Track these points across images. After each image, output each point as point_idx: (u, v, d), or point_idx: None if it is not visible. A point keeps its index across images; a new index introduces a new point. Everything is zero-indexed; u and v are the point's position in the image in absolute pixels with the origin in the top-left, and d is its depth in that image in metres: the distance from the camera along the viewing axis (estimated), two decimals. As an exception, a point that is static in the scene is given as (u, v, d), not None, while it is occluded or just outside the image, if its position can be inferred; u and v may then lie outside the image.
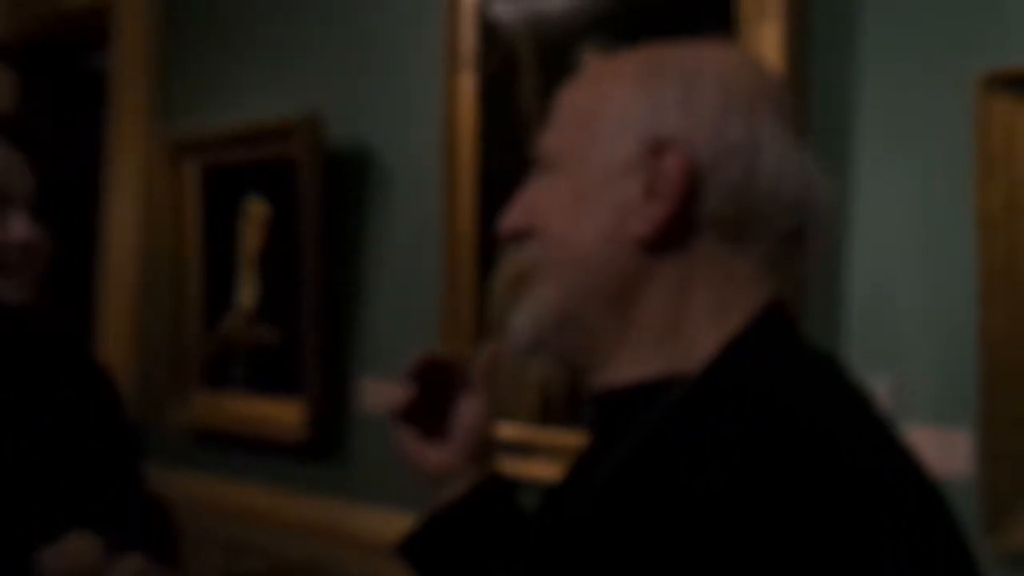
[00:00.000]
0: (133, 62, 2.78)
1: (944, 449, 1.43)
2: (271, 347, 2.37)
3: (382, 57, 2.22)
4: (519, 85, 1.90)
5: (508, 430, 1.87)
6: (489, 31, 1.96)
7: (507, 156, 1.91)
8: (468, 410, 1.02)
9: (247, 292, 2.43)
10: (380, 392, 2.17)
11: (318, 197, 2.22)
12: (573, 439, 1.73)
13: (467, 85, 1.99)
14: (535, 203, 0.88)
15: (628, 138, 0.83)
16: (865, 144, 1.54)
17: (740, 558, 0.68)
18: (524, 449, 1.84)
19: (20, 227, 1.38)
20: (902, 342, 1.49)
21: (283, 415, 2.31)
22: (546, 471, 1.75)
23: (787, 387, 0.77)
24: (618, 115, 0.84)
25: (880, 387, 1.49)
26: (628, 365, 0.84)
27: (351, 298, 2.24)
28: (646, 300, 0.83)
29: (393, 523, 2.10)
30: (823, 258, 1.57)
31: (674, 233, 0.81)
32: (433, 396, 1.03)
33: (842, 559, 0.68)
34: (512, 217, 0.90)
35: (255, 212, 2.41)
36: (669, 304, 0.82)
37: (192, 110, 2.66)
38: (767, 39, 1.57)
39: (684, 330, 0.82)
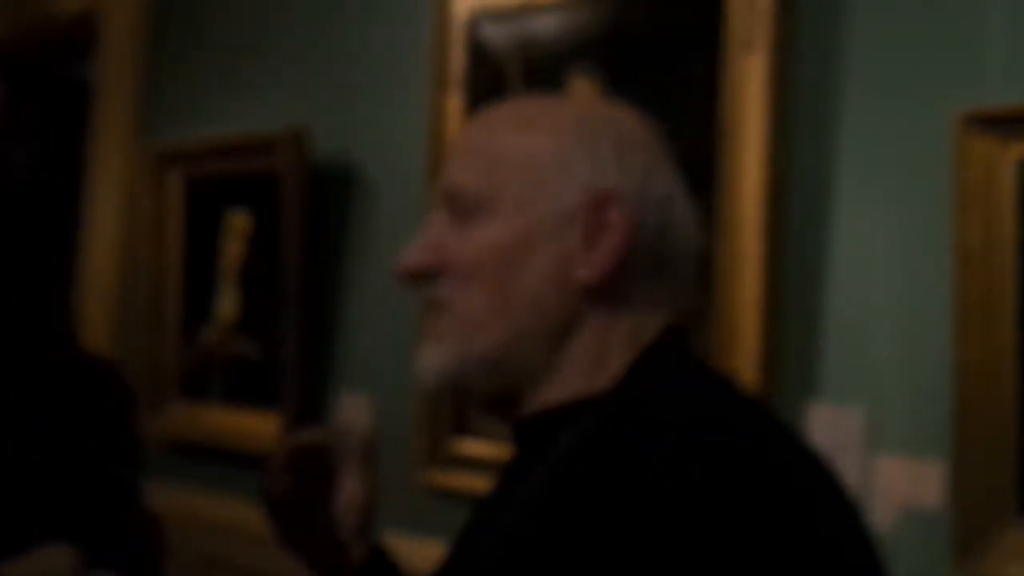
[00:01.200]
0: (119, 72, 2.78)
1: (917, 479, 1.45)
2: (250, 359, 2.37)
3: (370, 73, 2.23)
4: (506, 107, 1.92)
5: (480, 448, 1.87)
6: (478, 51, 1.98)
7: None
8: (348, 491, 1.03)
9: (227, 304, 2.43)
10: (359, 407, 2.17)
11: (301, 211, 2.23)
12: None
13: (454, 104, 2.00)
14: (446, 243, 0.91)
15: (572, 188, 0.88)
16: (845, 177, 1.56)
17: (660, 554, 0.72)
18: (497, 467, 1.84)
19: None
20: (877, 373, 1.51)
21: (260, 428, 2.30)
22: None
23: (684, 393, 0.84)
24: (560, 166, 0.89)
25: (854, 417, 1.51)
26: (554, 391, 0.89)
27: (332, 312, 2.24)
28: (579, 337, 0.89)
29: (368, 539, 2.10)
30: (801, 288, 1.60)
31: (611, 278, 0.88)
32: (307, 477, 1.03)
33: (761, 553, 0.72)
34: (419, 255, 0.92)
35: (238, 224, 2.42)
36: (598, 338, 0.89)
37: (177, 121, 2.66)
38: (752, 70, 1.59)
39: (606, 356, 0.89)
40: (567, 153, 0.89)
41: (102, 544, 1.38)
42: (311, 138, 2.24)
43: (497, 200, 0.89)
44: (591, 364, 0.88)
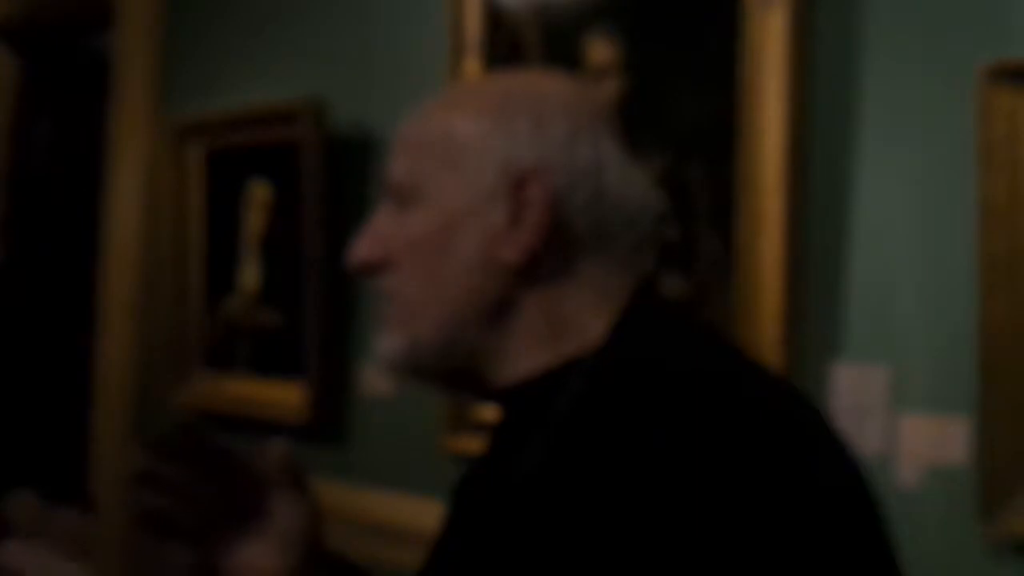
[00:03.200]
0: (137, 44, 2.78)
1: (942, 437, 1.44)
2: (273, 330, 2.38)
3: (387, 41, 2.22)
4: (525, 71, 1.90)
5: (509, 414, 1.88)
6: (495, 16, 1.97)
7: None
8: (278, 522, 0.94)
9: (250, 275, 2.44)
10: (381, 375, 2.18)
11: (321, 181, 2.23)
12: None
13: (472, 71, 1.99)
14: (388, 234, 0.93)
15: (488, 170, 0.89)
16: (867, 133, 1.54)
17: (676, 516, 0.75)
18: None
19: None
20: (901, 331, 1.50)
21: (285, 397, 2.32)
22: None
23: (682, 352, 0.86)
24: (475, 148, 0.89)
25: (879, 376, 1.51)
26: (518, 364, 0.90)
27: (353, 281, 2.25)
28: (522, 312, 0.90)
29: (394, 504, 2.12)
30: (824, 248, 1.59)
31: (539, 253, 0.88)
32: (224, 487, 0.92)
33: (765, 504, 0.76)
34: (364, 249, 0.94)
35: (258, 195, 2.42)
36: (544, 310, 0.89)
37: (196, 93, 2.66)
38: (771, 29, 1.58)
39: (568, 323, 0.89)
40: (482, 134, 0.90)
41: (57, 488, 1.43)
42: (330, 108, 2.24)
43: (422, 187, 0.91)
44: (550, 332, 0.89)
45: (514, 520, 0.83)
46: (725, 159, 1.61)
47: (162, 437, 0.90)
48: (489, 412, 1.92)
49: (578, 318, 0.89)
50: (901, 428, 1.48)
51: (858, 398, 1.51)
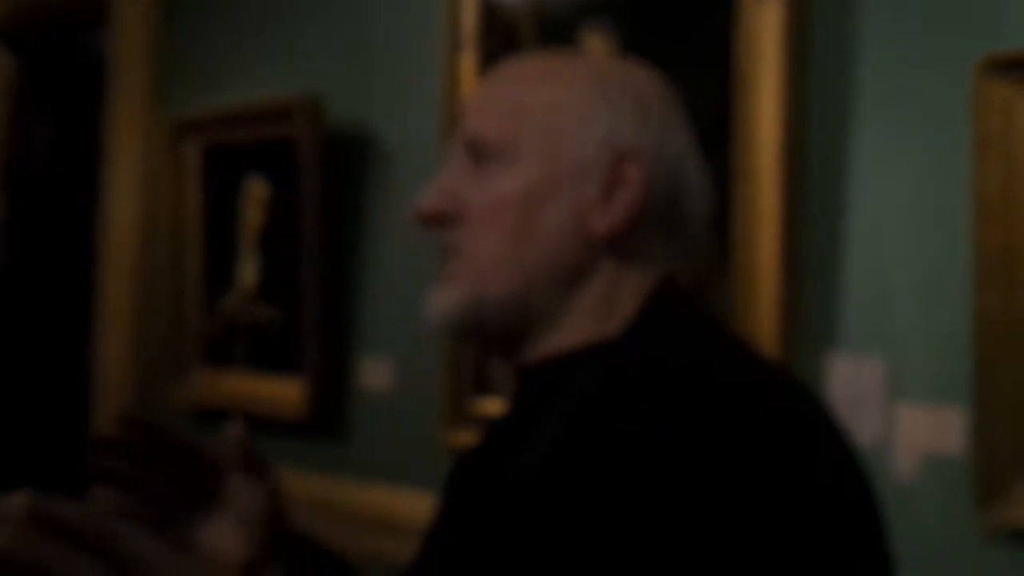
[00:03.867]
0: (133, 42, 2.78)
1: (938, 427, 1.45)
2: (271, 326, 2.38)
3: (383, 36, 2.22)
4: (520, 66, 1.90)
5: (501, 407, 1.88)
6: (490, 10, 1.97)
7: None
8: (241, 494, 0.97)
9: (248, 271, 2.45)
10: (380, 371, 2.19)
11: (318, 177, 2.23)
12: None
13: (468, 65, 1.99)
14: (463, 189, 0.93)
15: (591, 142, 0.91)
16: (863, 127, 1.55)
17: (685, 496, 0.75)
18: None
19: None
20: (898, 323, 1.50)
21: (283, 393, 2.32)
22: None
23: (688, 345, 0.87)
24: (581, 119, 0.91)
25: (875, 367, 1.51)
26: (562, 338, 0.92)
27: (351, 277, 2.25)
28: (590, 284, 0.92)
29: (393, 499, 2.13)
30: (820, 239, 1.59)
31: (624, 230, 0.91)
32: (178, 478, 0.95)
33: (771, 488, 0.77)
34: (435, 201, 0.94)
35: (256, 192, 2.42)
36: (606, 287, 0.92)
37: (193, 90, 2.66)
38: (767, 23, 1.58)
39: (615, 303, 0.92)
40: (589, 107, 0.92)
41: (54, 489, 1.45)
42: (326, 103, 2.24)
43: (518, 149, 0.91)
44: (600, 312, 0.91)
45: (512, 510, 0.83)
46: (722, 153, 1.61)
47: (111, 435, 0.92)
48: (487, 406, 1.92)
49: (620, 302, 0.92)
50: (898, 419, 1.49)
51: (855, 389, 1.51)
